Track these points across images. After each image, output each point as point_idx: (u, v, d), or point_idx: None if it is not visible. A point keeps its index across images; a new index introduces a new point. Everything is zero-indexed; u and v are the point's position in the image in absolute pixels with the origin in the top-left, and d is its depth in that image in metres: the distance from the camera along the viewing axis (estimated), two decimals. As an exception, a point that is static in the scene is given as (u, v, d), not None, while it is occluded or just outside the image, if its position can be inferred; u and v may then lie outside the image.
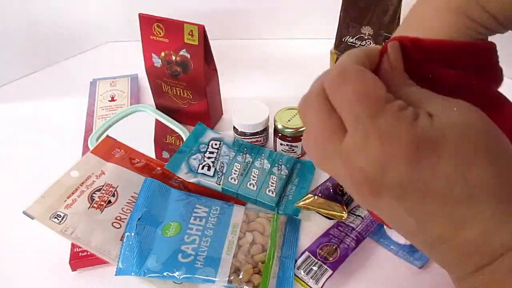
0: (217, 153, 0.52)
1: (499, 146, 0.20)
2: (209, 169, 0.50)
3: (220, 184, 0.49)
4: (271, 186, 0.50)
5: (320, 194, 0.47)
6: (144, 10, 0.53)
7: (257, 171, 0.51)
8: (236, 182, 0.49)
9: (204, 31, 0.51)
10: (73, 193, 0.44)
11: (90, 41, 0.81)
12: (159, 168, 0.51)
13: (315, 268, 0.41)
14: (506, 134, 0.21)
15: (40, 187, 0.45)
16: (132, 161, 0.51)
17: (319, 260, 0.42)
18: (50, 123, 0.64)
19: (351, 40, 0.56)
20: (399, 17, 0.54)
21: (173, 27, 0.52)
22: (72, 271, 0.43)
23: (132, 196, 0.46)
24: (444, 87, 0.24)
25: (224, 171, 0.50)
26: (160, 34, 0.53)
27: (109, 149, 0.51)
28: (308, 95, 0.23)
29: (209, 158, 0.52)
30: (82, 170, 0.47)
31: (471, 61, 0.26)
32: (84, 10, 0.76)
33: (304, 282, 0.41)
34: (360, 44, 0.55)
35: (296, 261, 0.43)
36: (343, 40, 0.56)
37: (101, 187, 0.46)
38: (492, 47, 0.27)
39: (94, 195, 0.45)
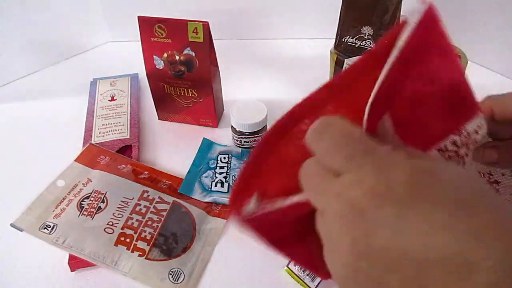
0: (227, 167, 0.52)
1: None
2: (222, 185, 0.49)
3: None
4: None
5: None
6: (144, 11, 0.53)
7: None
8: None
9: (209, 28, 0.51)
10: (61, 203, 0.44)
11: (90, 41, 0.81)
12: (146, 172, 0.52)
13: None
14: None
15: (42, 187, 0.45)
16: (118, 166, 0.51)
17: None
18: (50, 123, 0.64)
19: (351, 40, 0.56)
20: (399, 17, 0.54)
21: (176, 27, 0.52)
22: (71, 271, 0.43)
23: (122, 201, 0.46)
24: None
25: None
26: (162, 35, 0.53)
27: (93, 157, 0.51)
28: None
29: (220, 173, 0.51)
30: (68, 179, 0.47)
31: None
32: (84, 10, 0.77)
33: (301, 279, 0.41)
34: (360, 44, 0.55)
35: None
36: (343, 40, 0.56)
37: (89, 194, 0.46)
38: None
39: (83, 202, 0.45)
